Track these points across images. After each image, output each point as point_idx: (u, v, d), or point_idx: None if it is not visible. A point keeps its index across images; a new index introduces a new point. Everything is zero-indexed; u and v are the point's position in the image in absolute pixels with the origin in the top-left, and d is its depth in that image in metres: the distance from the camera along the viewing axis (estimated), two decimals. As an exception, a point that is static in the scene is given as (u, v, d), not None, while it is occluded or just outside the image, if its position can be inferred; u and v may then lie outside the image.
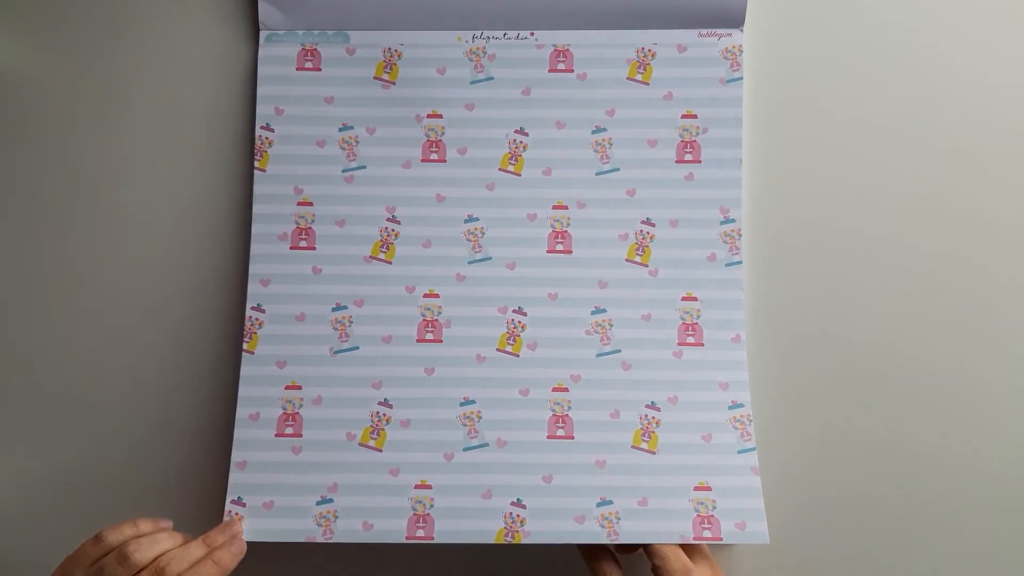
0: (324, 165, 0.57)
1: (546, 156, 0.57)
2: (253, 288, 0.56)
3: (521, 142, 0.57)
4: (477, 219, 0.57)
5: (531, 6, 0.56)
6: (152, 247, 0.58)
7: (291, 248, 0.56)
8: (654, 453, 0.54)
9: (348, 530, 0.53)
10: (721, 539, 0.53)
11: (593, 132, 0.57)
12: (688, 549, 0.52)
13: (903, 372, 0.57)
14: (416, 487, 0.54)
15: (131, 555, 0.47)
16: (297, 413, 0.55)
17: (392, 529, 0.53)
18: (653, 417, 0.55)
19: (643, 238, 0.56)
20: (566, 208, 0.56)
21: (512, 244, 0.56)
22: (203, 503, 0.56)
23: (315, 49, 0.57)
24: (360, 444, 0.54)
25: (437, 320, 0.56)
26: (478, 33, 0.57)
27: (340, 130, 0.57)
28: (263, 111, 0.57)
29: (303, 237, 0.56)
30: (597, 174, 0.57)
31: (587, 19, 0.56)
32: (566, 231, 0.56)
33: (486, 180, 0.57)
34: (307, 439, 0.55)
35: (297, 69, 0.57)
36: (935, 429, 0.56)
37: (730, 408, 0.55)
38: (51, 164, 0.58)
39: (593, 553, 0.53)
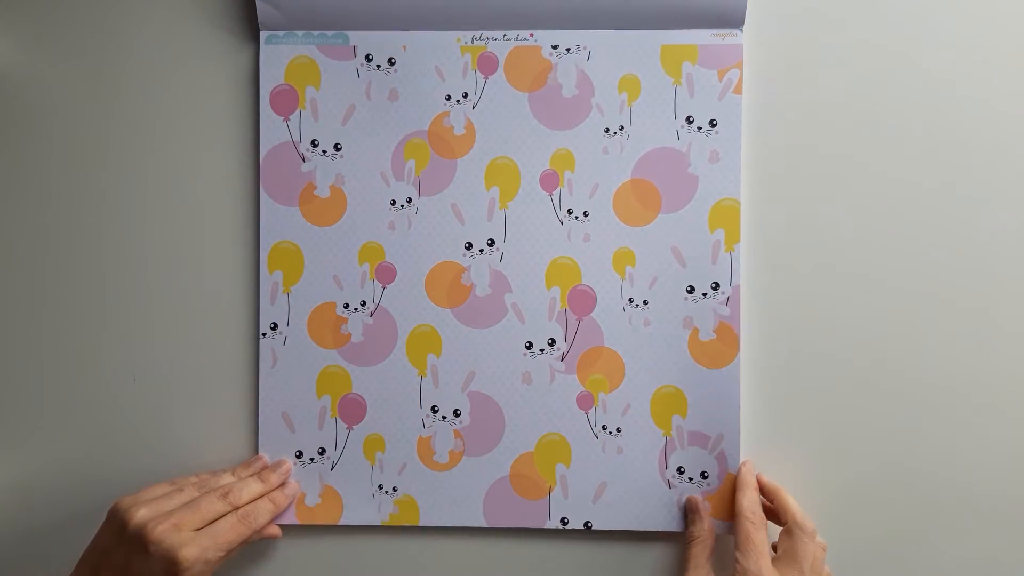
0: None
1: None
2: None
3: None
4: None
5: (531, 6, 0.56)
6: (152, 246, 0.58)
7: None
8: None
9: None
10: None
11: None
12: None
13: (902, 372, 0.57)
14: None
15: (207, 480, 0.54)
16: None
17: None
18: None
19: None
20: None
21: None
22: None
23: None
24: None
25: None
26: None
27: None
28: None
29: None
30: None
31: (586, 20, 0.56)
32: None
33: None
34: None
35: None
36: (934, 430, 0.57)
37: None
38: (50, 165, 0.58)
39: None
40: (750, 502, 0.54)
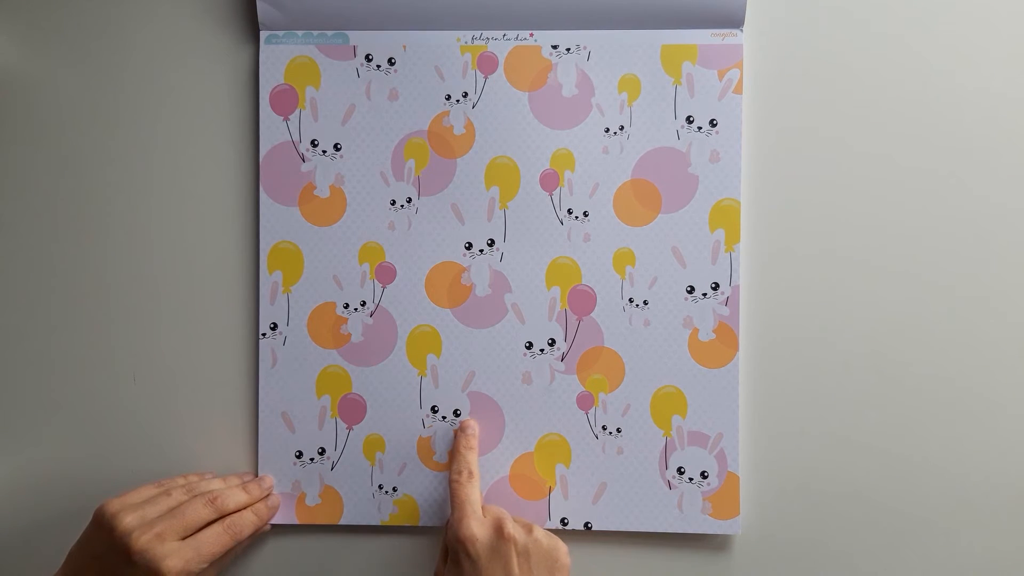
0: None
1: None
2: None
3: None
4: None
5: (531, 6, 0.56)
6: (152, 246, 0.58)
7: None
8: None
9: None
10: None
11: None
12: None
13: (901, 373, 0.57)
14: None
15: (195, 483, 0.54)
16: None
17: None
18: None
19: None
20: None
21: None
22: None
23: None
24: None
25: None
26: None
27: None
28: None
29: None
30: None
31: (587, 20, 0.56)
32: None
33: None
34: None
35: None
36: (933, 430, 0.57)
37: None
38: (51, 165, 0.58)
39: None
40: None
